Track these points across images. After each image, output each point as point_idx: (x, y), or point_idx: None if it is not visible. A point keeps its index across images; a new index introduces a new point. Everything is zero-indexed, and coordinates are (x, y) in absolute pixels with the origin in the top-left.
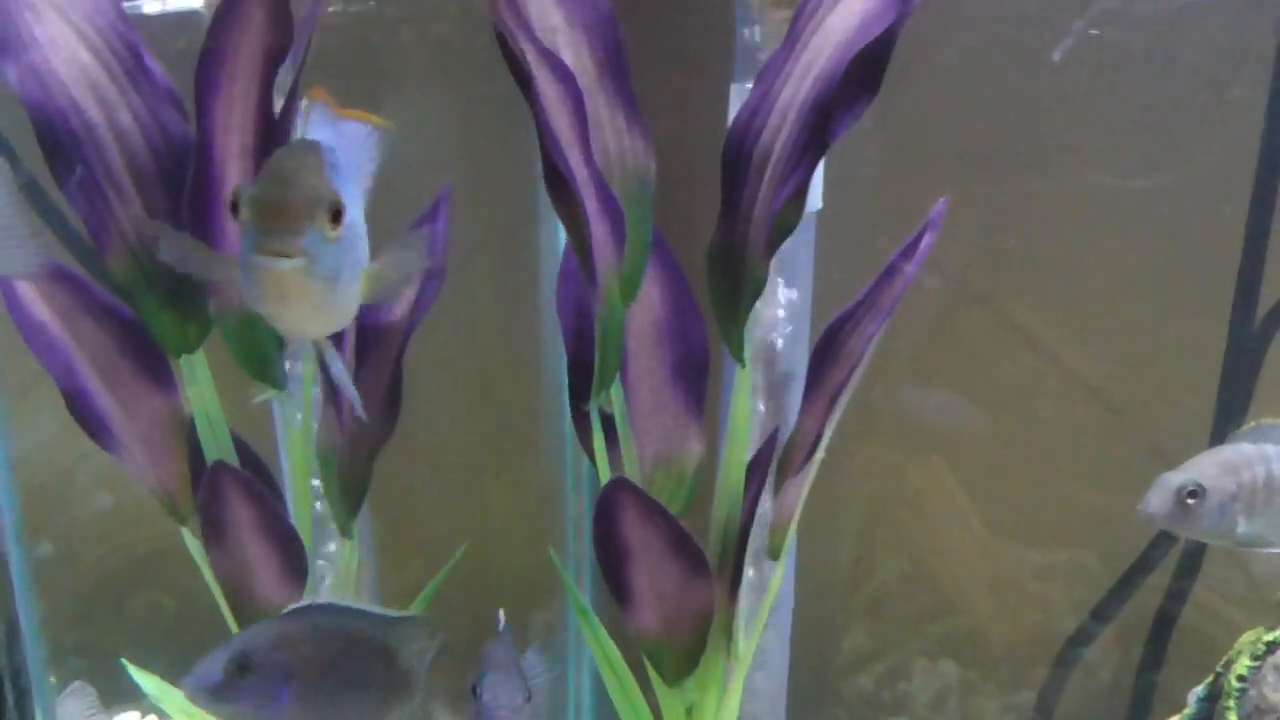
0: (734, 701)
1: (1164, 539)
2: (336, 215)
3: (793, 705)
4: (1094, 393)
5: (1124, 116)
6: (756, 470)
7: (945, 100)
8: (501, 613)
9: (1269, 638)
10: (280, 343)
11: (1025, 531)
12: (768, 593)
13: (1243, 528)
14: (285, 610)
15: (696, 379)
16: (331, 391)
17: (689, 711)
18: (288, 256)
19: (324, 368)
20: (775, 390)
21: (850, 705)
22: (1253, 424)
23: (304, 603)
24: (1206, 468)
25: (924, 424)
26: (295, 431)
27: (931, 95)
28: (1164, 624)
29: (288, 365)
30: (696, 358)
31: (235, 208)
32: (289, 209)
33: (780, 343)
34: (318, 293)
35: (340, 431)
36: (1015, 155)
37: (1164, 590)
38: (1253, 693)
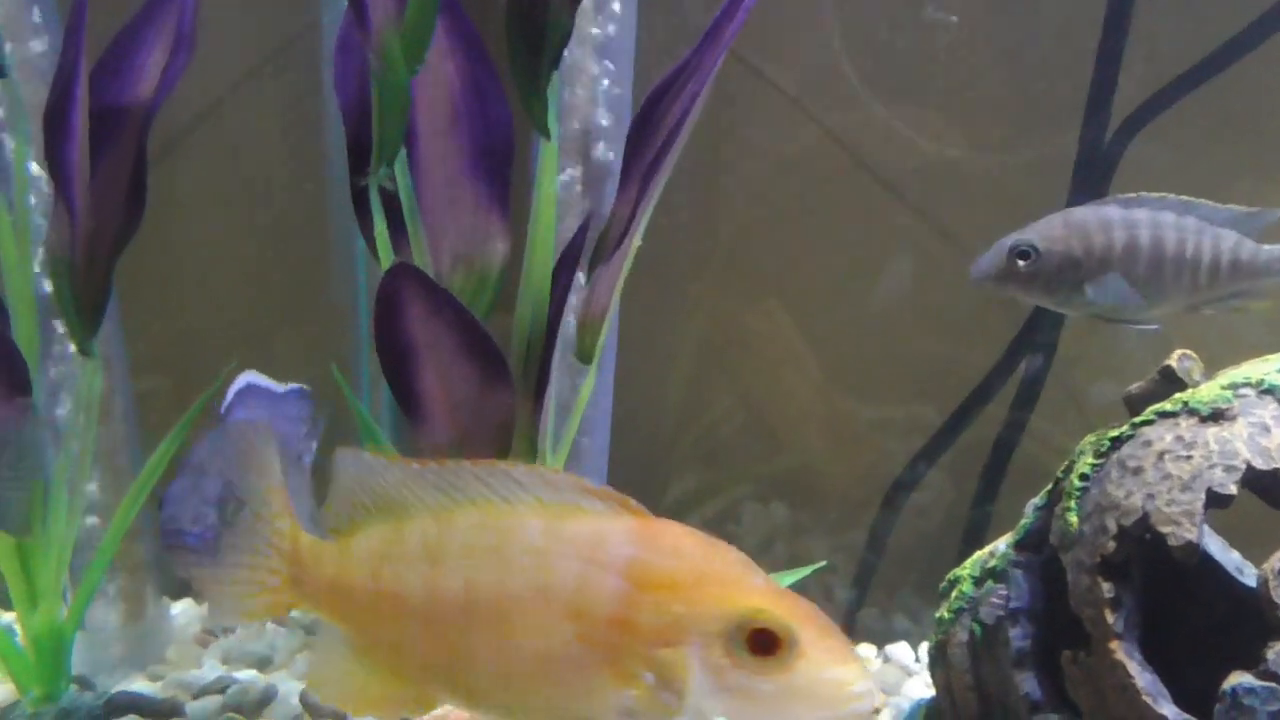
0: None
1: (1003, 369)
2: None
3: None
4: (948, 237)
5: None
6: (566, 264)
7: None
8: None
9: (1113, 434)
10: None
11: (863, 382)
12: (576, 405)
13: (1092, 296)
14: None
15: (498, 168)
16: (61, 181)
17: None
18: None
19: (50, 148)
20: (592, 183)
21: None
22: (1135, 195)
23: None
24: (1051, 227)
25: (762, 265)
26: (6, 223)
27: None
28: (1000, 454)
29: None
30: (498, 144)
31: None
32: None
33: (599, 130)
34: None
35: (73, 230)
36: None
37: (1001, 421)
38: (1094, 491)
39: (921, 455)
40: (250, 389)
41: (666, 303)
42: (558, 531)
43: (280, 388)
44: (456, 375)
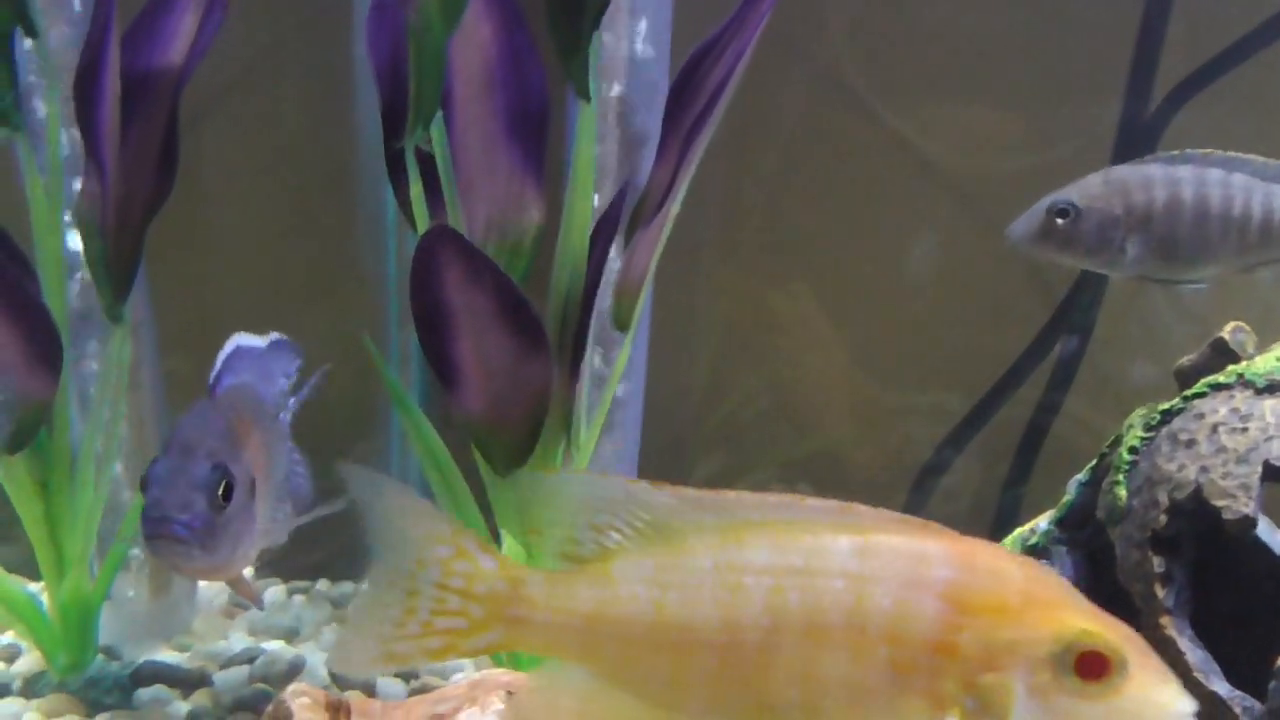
0: None
1: (1036, 351)
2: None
3: None
4: (983, 219)
5: None
6: (604, 229)
7: None
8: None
9: (1163, 407)
10: (11, 75)
11: (892, 366)
12: (612, 376)
13: (1135, 255)
14: None
15: (534, 135)
16: (92, 145)
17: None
18: None
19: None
20: (628, 149)
21: None
22: (1179, 152)
23: None
24: (1091, 185)
25: (790, 247)
26: (40, 189)
27: None
28: (1033, 436)
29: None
30: (534, 109)
31: None
32: None
33: (635, 98)
34: None
35: (104, 194)
36: None
37: (1034, 404)
38: (1144, 465)
39: (950, 440)
40: (237, 352)
41: (694, 285)
42: (870, 552)
43: (263, 342)
44: (493, 342)
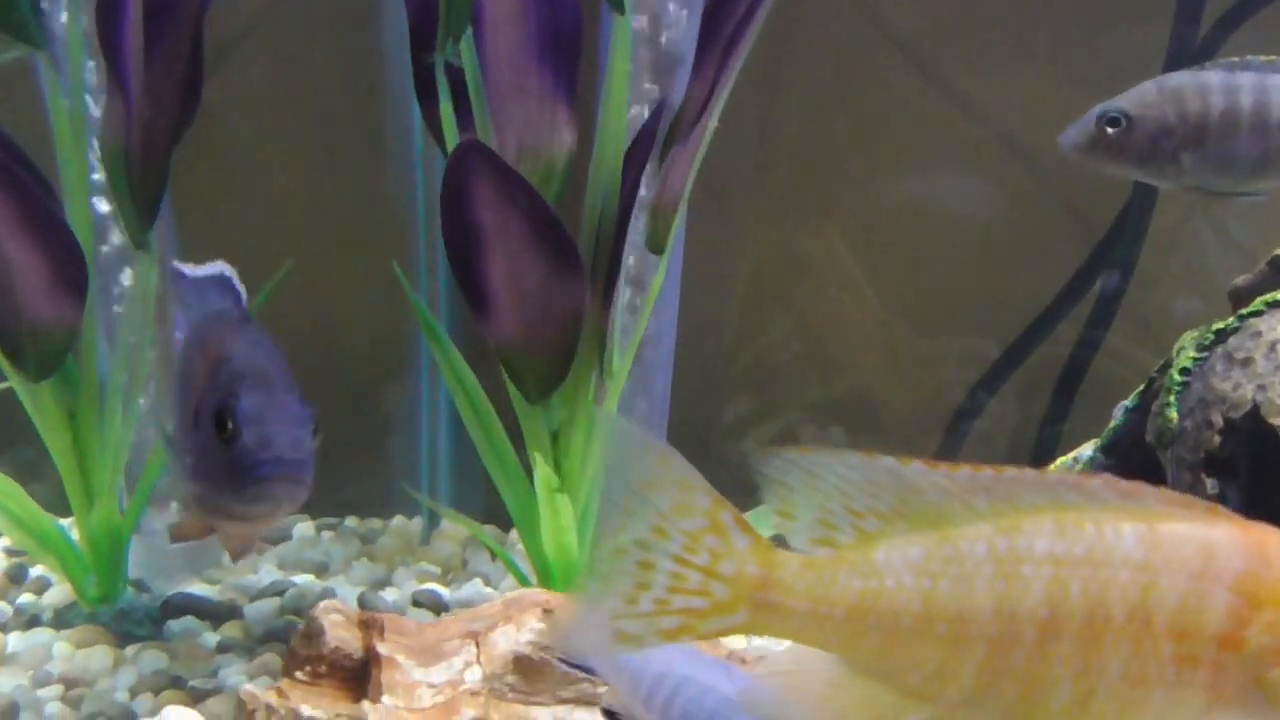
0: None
1: (1076, 289)
2: None
3: None
4: (1020, 157)
5: None
6: (638, 150)
7: None
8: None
9: (1218, 326)
10: None
11: (924, 309)
12: (649, 297)
13: (1189, 165)
14: None
15: (566, 56)
16: (115, 68)
17: (555, 437)
18: None
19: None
20: (662, 69)
21: (734, 469)
22: (1240, 58)
23: None
24: (1144, 93)
25: (821, 190)
26: (64, 113)
27: None
28: (1072, 375)
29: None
30: (566, 31)
31: None
32: None
33: (670, 14)
34: None
35: (128, 118)
36: None
37: (1073, 341)
38: (1196, 385)
39: (985, 381)
40: (187, 279)
41: (724, 227)
42: (1156, 540)
43: (208, 271)
44: (525, 263)
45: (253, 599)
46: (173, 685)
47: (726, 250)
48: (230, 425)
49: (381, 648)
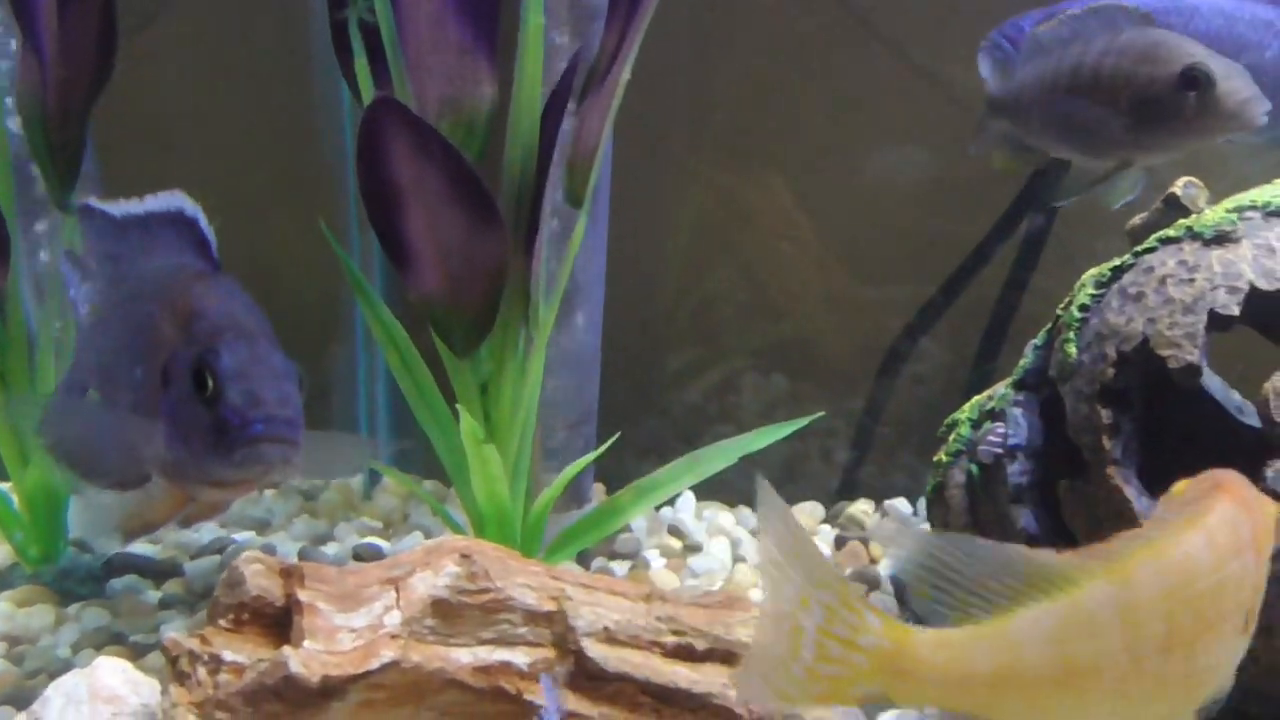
0: (535, 375)
1: (1001, 230)
2: None
3: (610, 415)
4: (956, 104)
5: None
6: (556, 103)
7: None
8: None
9: (1114, 264)
10: None
11: (863, 256)
12: (568, 253)
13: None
14: None
15: (485, 8)
16: (27, 27)
17: (484, 389)
18: None
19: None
20: (580, 24)
21: (676, 419)
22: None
23: None
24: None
25: (761, 137)
26: None
27: None
28: (1002, 315)
29: None
30: None
31: None
32: None
33: None
34: None
35: (43, 77)
36: None
37: (1002, 282)
38: (1094, 321)
39: (917, 324)
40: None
41: (663, 176)
42: (1212, 535)
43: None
44: (445, 218)
45: (194, 556)
46: (115, 641)
47: (666, 199)
48: (211, 383)
49: (302, 595)
